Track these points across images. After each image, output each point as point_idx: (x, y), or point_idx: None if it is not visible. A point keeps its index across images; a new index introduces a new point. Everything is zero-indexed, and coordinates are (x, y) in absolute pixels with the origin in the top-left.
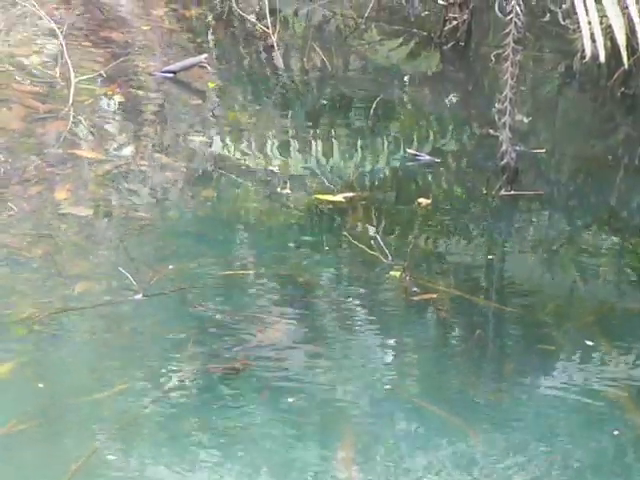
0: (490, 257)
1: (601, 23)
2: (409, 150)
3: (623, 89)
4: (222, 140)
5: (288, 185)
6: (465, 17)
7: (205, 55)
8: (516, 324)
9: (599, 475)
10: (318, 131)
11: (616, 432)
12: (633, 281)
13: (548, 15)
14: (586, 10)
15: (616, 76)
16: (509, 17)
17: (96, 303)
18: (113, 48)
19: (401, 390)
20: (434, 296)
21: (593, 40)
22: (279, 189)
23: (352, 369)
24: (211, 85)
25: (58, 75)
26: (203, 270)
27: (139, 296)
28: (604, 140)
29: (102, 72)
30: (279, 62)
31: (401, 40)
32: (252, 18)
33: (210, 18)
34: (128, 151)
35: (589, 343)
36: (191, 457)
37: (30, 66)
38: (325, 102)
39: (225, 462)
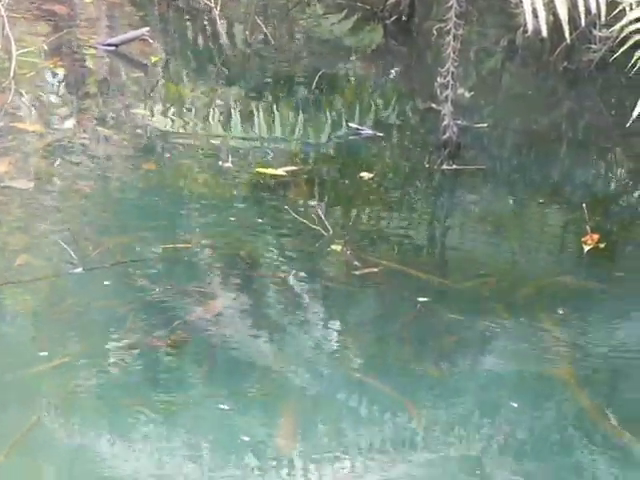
0: (432, 231)
1: None
2: (351, 124)
3: (565, 63)
4: (164, 113)
5: (230, 158)
6: None
7: (147, 28)
8: (457, 298)
9: (540, 449)
10: (260, 105)
11: (557, 405)
12: (575, 255)
13: None
14: None
15: (558, 51)
16: None
17: (36, 276)
18: (55, 21)
19: (342, 363)
20: (375, 270)
21: (535, 15)
22: (221, 162)
23: (293, 343)
24: (154, 59)
25: None
26: (144, 243)
27: (79, 269)
28: (546, 114)
29: (44, 45)
30: (222, 36)
31: (344, 14)
32: None
33: None
34: (70, 124)
35: (530, 317)
36: (132, 430)
37: None
38: (267, 76)
39: (167, 435)
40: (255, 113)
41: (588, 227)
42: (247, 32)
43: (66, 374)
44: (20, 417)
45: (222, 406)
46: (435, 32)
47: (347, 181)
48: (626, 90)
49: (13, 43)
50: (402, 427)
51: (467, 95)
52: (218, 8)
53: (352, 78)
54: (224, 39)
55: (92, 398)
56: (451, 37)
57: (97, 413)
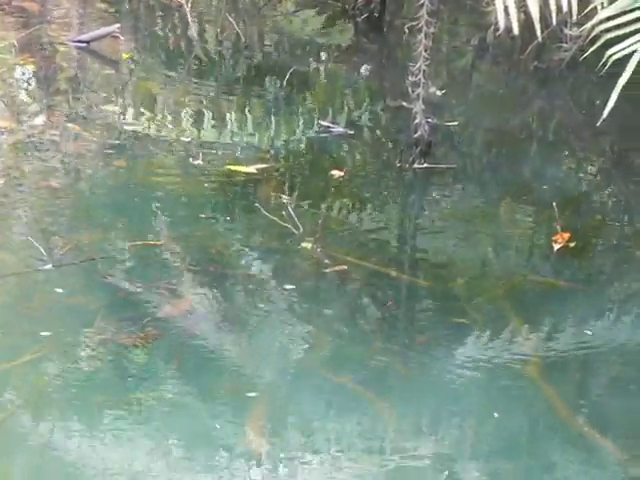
0: (402, 229)
1: None
2: (322, 122)
3: (536, 62)
4: (135, 110)
5: (201, 156)
6: None
7: (118, 25)
8: (428, 297)
9: (508, 447)
10: (231, 102)
11: (525, 404)
12: (544, 254)
13: None
14: None
15: (529, 49)
16: None
17: (5, 273)
18: (26, 18)
19: (311, 361)
20: (345, 268)
21: (507, 13)
22: (192, 160)
23: (262, 339)
24: (125, 55)
25: None
26: (114, 240)
27: (49, 266)
28: (517, 113)
29: (14, 41)
30: (193, 33)
31: (315, 12)
32: None
33: None
34: (40, 120)
35: (500, 316)
36: (102, 425)
37: None
38: (239, 73)
39: (135, 430)
40: (226, 111)
41: (558, 226)
42: (218, 29)
43: (36, 370)
44: None
45: (192, 401)
46: (406, 30)
47: (318, 179)
48: (596, 89)
49: None
50: (369, 422)
51: (438, 93)
52: (189, 5)
53: (323, 76)
54: (195, 36)
55: (62, 394)
56: (422, 35)
57: (68, 409)
